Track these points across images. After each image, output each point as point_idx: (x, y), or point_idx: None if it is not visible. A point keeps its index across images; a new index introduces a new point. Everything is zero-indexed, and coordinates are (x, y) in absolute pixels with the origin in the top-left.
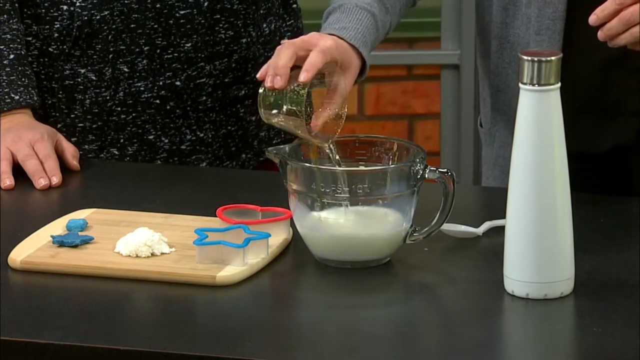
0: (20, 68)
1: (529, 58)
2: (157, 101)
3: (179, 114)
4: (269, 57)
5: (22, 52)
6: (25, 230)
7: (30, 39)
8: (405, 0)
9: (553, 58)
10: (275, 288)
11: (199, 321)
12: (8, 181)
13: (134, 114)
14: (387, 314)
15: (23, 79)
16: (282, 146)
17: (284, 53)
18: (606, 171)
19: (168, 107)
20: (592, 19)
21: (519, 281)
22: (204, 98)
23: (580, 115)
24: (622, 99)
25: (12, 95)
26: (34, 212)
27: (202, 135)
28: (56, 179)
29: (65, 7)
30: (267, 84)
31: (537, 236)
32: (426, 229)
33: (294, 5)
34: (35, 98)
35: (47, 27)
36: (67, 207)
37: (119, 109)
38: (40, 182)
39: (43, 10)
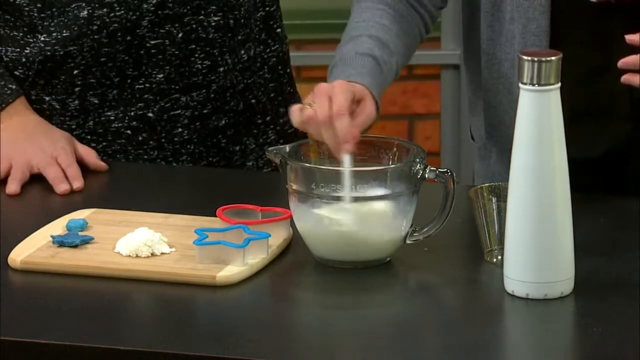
0: (1, 62)
1: (529, 58)
2: (128, 131)
3: (153, 145)
4: (248, 85)
5: None
6: (25, 230)
7: None
8: (409, 40)
9: (553, 58)
10: (275, 288)
11: (199, 321)
12: (13, 187)
13: (104, 143)
14: (387, 314)
15: (7, 72)
16: (282, 146)
17: (342, 119)
18: (601, 177)
19: (140, 139)
20: (621, 65)
21: (519, 281)
22: (180, 130)
23: (572, 123)
24: (612, 104)
25: (10, 86)
26: (34, 212)
27: (178, 167)
28: (78, 183)
29: (39, 36)
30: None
31: (537, 236)
32: (426, 229)
33: (278, 30)
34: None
35: (18, 50)
36: (67, 207)
37: (89, 137)
38: (61, 187)
39: (20, 34)
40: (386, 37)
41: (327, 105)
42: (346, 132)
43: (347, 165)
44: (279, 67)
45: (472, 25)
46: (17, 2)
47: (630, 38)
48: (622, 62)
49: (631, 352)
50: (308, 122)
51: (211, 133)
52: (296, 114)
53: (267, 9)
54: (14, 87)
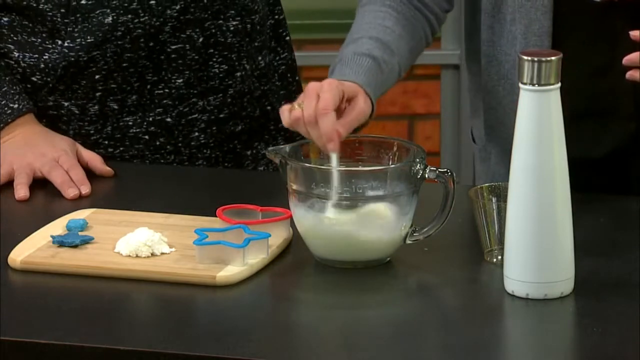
0: (7, 78)
1: (529, 58)
2: (146, 137)
3: (170, 150)
4: (265, 91)
5: (3, 63)
6: (25, 230)
7: (12, 62)
8: (414, 43)
9: (553, 58)
10: (275, 288)
11: (199, 321)
12: (22, 192)
13: (121, 148)
14: (387, 314)
15: (14, 87)
16: (282, 146)
17: (325, 118)
18: (605, 176)
19: (158, 143)
20: (626, 62)
21: (519, 281)
22: (197, 134)
23: (575, 123)
24: (615, 104)
25: (11, 105)
26: (34, 212)
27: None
28: (86, 188)
29: (59, 42)
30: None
31: (537, 236)
32: (426, 229)
33: (287, 38)
34: (32, 103)
35: (36, 56)
36: (67, 207)
37: (106, 142)
38: (70, 192)
39: (39, 40)
40: (387, 38)
41: (314, 105)
42: (329, 130)
43: (334, 163)
44: (288, 75)
45: (473, 27)
46: (40, 7)
47: (635, 34)
48: (626, 60)
49: (631, 352)
50: (296, 122)
51: (228, 138)
52: (285, 115)
53: (277, 17)
54: (15, 106)
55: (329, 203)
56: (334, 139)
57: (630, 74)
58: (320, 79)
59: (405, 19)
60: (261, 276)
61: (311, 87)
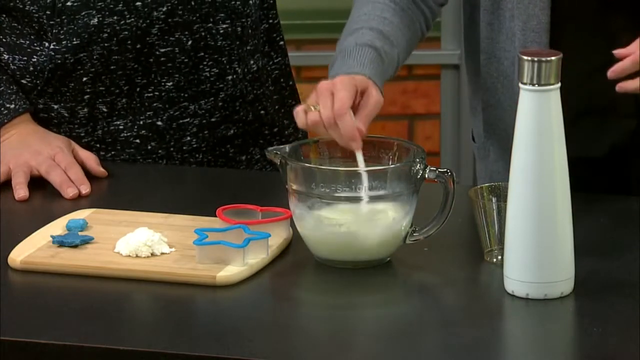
0: (4, 77)
1: (529, 58)
2: (137, 141)
3: (162, 154)
4: (258, 95)
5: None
6: (25, 230)
7: (2, 64)
8: (411, 34)
9: (553, 58)
10: (275, 288)
11: (199, 321)
12: (22, 192)
13: (112, 152)
14: (387, 314)
15: (11, 87)
16: (282, 146)
17: (344, 119)
18: (605, 175)
19: (149, 147)
20: (611, 75)
21: (519, 281)
22: (189, 138)
23: (575, 121)
24: (614, 102)
25: (8, 105)
26: (34, 212)
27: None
28: (86, 187)
29: (46, 44)
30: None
31: (537, 236)
32: (426, 229)
33: (281, 43)
34: (29, 103)
35: (25, 58)
36: (67, 207)
37: (98, 145)
38: (69, 192)
39: (27, 42)
40: (387, 29)
41: (330, 105)
42: (350, 131)
43: (360, 161)
44: (282, 80)
45: (471, 24)
46: (27, 9)
47: (618, 52)
48: (611, 72)
49: (631, 352)
50: (315, 125)
51: (219, 142)
52: (301, 117)
53: (270, 21)
54: (12, 106)
55: (363, 201)
56: (356, 139)
57: (620, 86)
58: (320, 78)
59: (402, 10)
60: (261, 276)
61: (323, 86)
